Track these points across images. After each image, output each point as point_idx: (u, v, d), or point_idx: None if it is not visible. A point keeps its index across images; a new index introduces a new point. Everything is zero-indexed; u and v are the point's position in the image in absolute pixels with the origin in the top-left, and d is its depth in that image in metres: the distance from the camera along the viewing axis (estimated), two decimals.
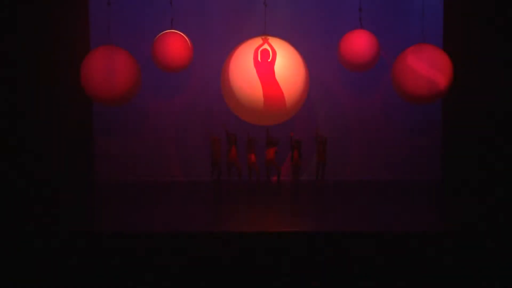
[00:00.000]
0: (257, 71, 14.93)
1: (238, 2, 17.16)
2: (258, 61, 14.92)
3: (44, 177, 15.01)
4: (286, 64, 15.85)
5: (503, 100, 14.51)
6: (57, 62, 15.66)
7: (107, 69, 15.62)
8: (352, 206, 14.42)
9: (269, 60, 15.01)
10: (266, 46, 15.00)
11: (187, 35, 16.47)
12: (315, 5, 17.02)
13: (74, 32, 16.40)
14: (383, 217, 13.20)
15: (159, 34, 16.19)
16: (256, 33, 16.47)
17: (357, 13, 16.75)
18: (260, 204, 14.62)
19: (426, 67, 15.43)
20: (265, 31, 15.78)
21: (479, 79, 15.23)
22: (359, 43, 15.90)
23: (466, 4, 15.56)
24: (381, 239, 11.09)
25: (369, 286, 10.55)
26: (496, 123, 14.73)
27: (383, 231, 11.42)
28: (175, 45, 16.15)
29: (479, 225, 12.00)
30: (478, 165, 15.33)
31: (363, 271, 10.70)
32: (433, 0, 16.85)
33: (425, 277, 10.48)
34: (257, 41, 15.78)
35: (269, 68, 14.98)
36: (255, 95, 15.65)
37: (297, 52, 16.19)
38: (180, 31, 16.43)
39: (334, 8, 17.02)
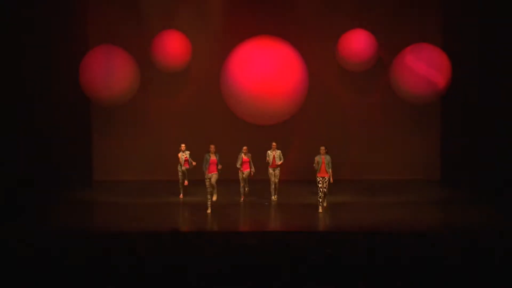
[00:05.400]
0: None
1: (238, 2, 17.12)
2: None
3: (44, 177, 15.01)
4: (286, 64, 15.91)
5: (502, 100, 14.51)
6: (57, 62, 15.65)
7: (106, 68, 15.68)
8: (352, 205, 14.43)
9: None
10: None
11: (187, 35, 16.48)
12: (315, 5, 16.99)
13: (74, 32, 16.38)
14: (382, 216, 13.22)
15: (158, 33, 16.19)
16: (256, 33, 16.52)
17: (357, 13, 16.81)
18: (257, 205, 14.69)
19: (425, 67, 15.44)
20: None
21: (478, 79, 15.24)
22: (357, 43, 15.94)
23: (465, 5, 15.59)
24: (379, 238, 11.08)
25: (368, 286, 10.50)
26: (496, 123, 14.74)
27: (381, 231, 11.43)
28: (174, 44, 16.15)
29: (478, 225, 12.02)
30: (478, 165, 15.33)
31: (361, 271, 10.67)
32: (433, 0, 16.92)
33: (424, 276, 10.47)
34: (257, 41, 16.03)
35: None
36: (254, 95, 15.71)
37: (297, 52, 16.23)
38: (179, 31, 16.46)
39: (334, 8, 16.99)
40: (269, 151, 14.81)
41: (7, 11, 13.86)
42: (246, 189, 15.00)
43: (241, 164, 14.62)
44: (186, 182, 15.14)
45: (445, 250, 10.89)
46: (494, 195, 14.26)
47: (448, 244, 11.02)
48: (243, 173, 14.68)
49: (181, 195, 15.36)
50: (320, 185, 13.69)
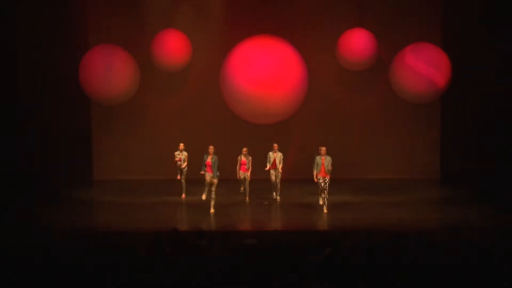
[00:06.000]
0: None
1: (238, 2, 17.14)
2: None
3: (43, 176, 15.02)
4: (285, 63, 15.91)
5: (502, 100, 14.52)
6: (57, 62, 15.66)
7: (106, 68, 15.66)
8: (352, 205, 14.43)
9: None
10: None
11: (186, 35, 16.49)
12: (315, 5, 17.01)
13: (74, 32, 16.38)
14: (382, 216, 13.22)
15: (158, 33, 16.21)
16: (256, 32, 16.53)
17: (357, 13, 16.84)
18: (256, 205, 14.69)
19: (425, 66, 15.45)
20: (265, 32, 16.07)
21: (478, 79, 15.25)
22: (357, 42, 15.94)
23: (465, 5, 15.60)
24: (380, 238, 11.07)
25: (368, 286, 10.48)
26: (496, 123, 14.74)
27: (381, 231, 11.43)
28: (174, 44, 16.17)
29: (478, 225, 12.02)
30: (477, 164, 15.34)
31: (361, 271, 10.65)
32: (433, 0, 16.92)
33: (424, 276, 10.46)
34: (257, 40, 16.01)
35: None
36: (254, 94, 15.71)
37: (297, 51, 16.23)
38: (179, 31, 16.48)
39: (334, 7, 17.00)
40: (270, 153, 14.66)
41: (7, 11, 13.87)
42: (247, 194, 14.78)
43: (239, 166, 14.54)
44: (183, 196, 15.17)
45: (445, 250, 10.88)
46: (494, 195, 14.27)
47: (448, 244, 11.01)
48: (245, 174, 14.58)
49: (183, 195, 15.27)
50: (321, 182, 13.44)
